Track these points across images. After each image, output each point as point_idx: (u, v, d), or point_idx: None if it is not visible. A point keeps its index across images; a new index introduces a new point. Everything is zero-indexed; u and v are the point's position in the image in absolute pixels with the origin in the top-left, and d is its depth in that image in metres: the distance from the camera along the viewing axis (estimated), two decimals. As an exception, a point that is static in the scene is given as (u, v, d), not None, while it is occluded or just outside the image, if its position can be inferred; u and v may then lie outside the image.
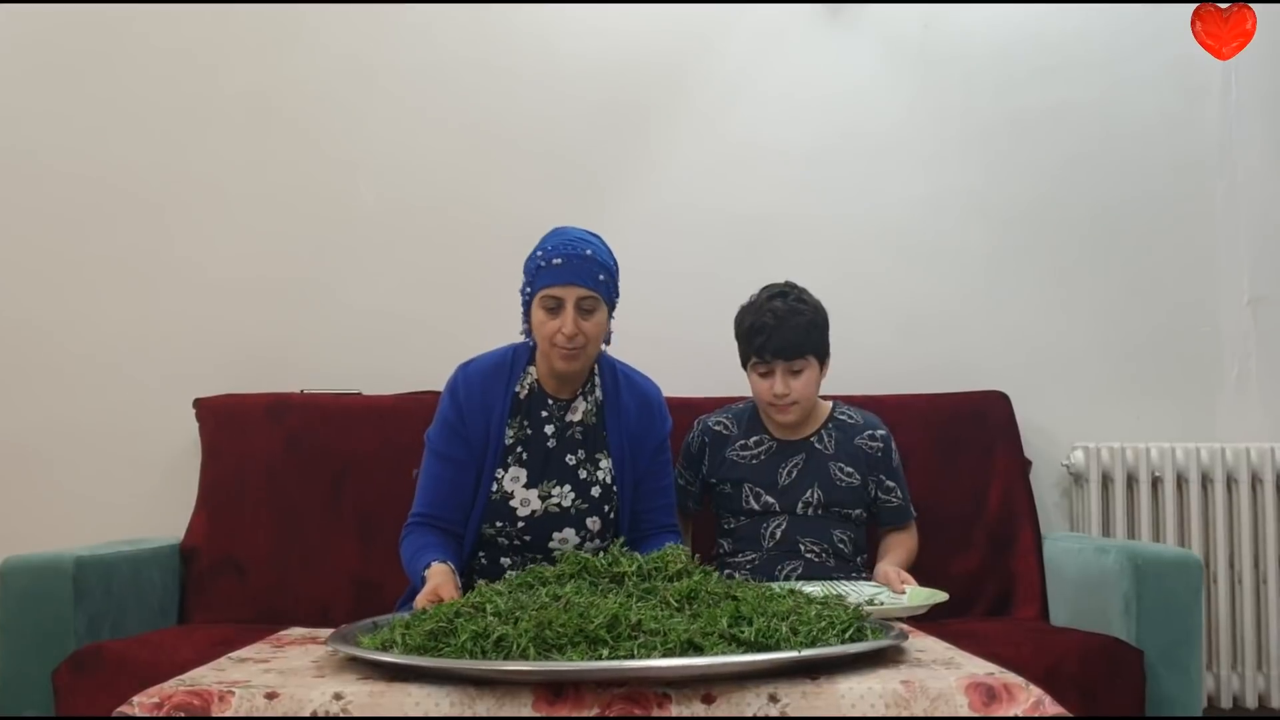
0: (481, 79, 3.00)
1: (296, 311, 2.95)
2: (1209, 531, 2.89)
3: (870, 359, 2.88)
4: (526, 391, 2.14)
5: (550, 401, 2.14)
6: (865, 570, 2.42)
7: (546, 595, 1.55)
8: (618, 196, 2.99)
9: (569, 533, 2.10)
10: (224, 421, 2.75)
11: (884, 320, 2.99)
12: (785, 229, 3.00)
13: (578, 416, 2.14)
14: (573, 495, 2.11)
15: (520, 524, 2.09)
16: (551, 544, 2.10)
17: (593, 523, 2.12)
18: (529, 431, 2.12)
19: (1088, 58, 3.05)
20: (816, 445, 2.42)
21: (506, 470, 2.10)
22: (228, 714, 1.33)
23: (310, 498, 2.67)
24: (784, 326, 2.30)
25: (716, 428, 2.47)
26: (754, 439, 2.43)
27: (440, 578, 1.90)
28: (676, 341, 2.86)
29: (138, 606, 2.46)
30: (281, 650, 1.66)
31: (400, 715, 1.33)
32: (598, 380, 2.17)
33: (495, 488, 2.10)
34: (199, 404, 2.78)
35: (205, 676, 1.43)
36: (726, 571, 2.29)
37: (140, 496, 2.86)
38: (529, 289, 2.09)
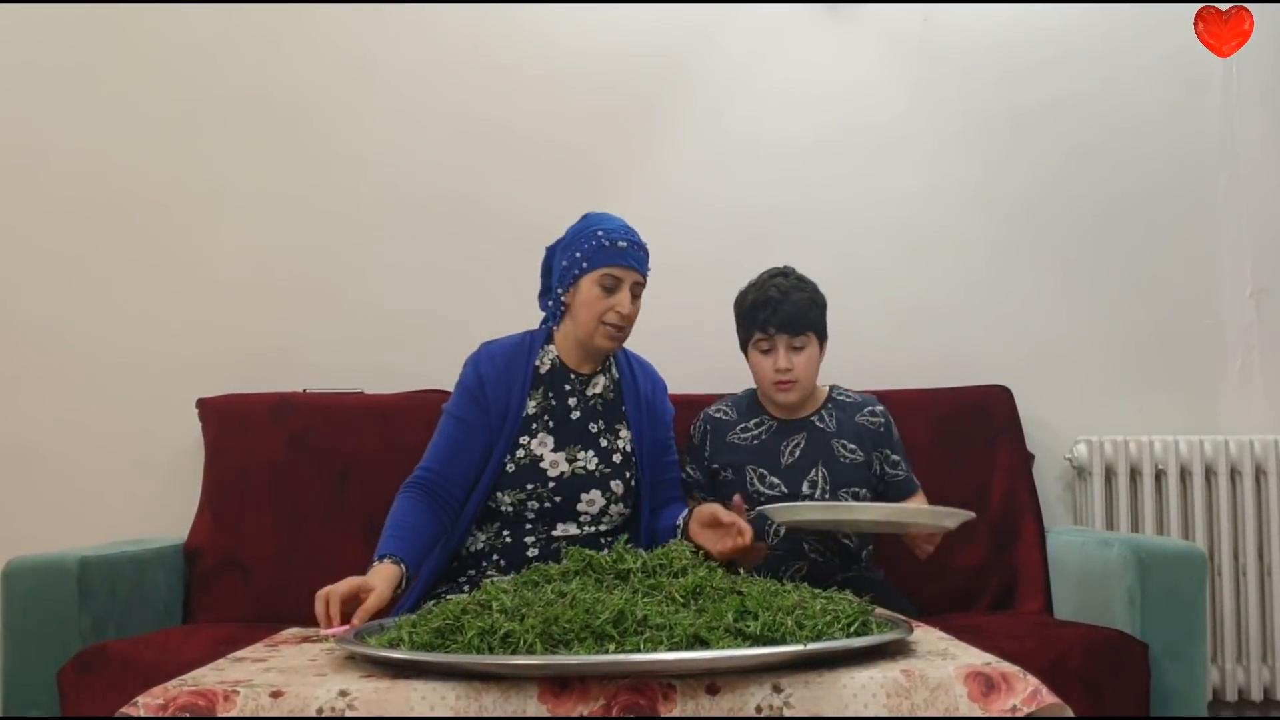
0: (484, 76, 3.00)
1: (298, 310, 2.95)
2: (1213, 524, 2.89)
3: (872, 353, 2.89)
4: (548, 366, 2.23)
5: (573, 375, 2.23)
6: (870, 561, 2.42)
7: (552, 592, 1.55)
8: (620, 191, 2.98)
9: (595, 494, 2.17)
10: (227, 421, 2.75)
11: (886, 314, 2.99)
12: (787, 223, 3.00)
13: (598, 390, 2.24)
14: (596, 460, 2.19)
15: (551, 484, 2.16)
16: (580, 505, 2.17)
17: (616, 485, 2.19)
18: (553, 402, 2.21)
19: (1088, 51, 3.05)
20: (817, 424, 2.41)
21: (534, 436, 2.17)
22: (233, 714, 1.33)
23: (314, 497, 2.67)
24: (788, 301, 2.31)
25: (717, 415, 2.47)
26: (754, 420, 2.43)
27: (371, 580, 1.85)
28: (679, 336, 2.85)
29: (142, 607, 2.46)
30: (276, 650, 1.66)
31: (406, 710, 1.33)
32: (613, 361, 2.28)
33: (523, 453, 2.16)
34: (202, 404, 2.79)
35: (205, 677, 1.43)
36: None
37: (144, 497, 2.86)
38: (585, 264, 2.14)
